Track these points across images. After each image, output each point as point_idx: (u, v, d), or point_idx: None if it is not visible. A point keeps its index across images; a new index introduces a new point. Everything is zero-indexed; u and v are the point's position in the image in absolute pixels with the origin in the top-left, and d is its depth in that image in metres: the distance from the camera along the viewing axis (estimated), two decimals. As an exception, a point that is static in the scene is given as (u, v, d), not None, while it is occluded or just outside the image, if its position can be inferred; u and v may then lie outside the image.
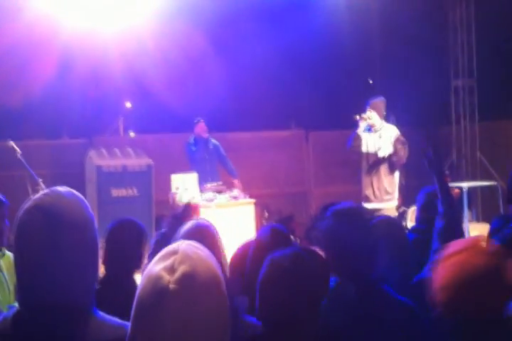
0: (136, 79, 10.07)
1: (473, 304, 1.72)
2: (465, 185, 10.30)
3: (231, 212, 8.32)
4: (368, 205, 7.52)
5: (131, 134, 10.80)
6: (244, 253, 3.04)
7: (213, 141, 9.25)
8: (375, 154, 7.78)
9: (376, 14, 12.28)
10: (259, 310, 2.05)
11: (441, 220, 3.16)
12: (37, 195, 1.71)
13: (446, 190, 3.26)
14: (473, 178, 11.34)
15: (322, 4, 11.00)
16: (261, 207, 9.53)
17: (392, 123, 8.45)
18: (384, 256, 2.88)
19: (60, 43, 9.19)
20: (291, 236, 3.23)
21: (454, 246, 1.89)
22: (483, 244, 1.88)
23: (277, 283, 2.02)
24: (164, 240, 3.60)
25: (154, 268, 1.39)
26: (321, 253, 2.44)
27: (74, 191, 1.75)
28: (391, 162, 7.67)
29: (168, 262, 1.38)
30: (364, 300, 2.46)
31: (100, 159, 9.20)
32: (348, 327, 2.34)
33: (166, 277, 1.35)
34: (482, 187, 11.11)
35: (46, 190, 1.74)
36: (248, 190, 8.91)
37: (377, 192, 7.63)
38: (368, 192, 7.74)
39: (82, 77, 9.45)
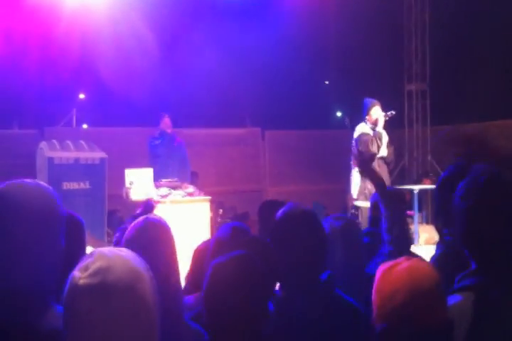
0: (93, 71, 9.90)
1: (425, 313, 1.66)
2: (416, 187, 10.45)
3: (186, 208, 8.20)
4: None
5: (84, 126, 10.60)
6: (205, 252, 2.92)
7: (179, 139, 9.13)
8: (381, 156, 7.86)
9: (332, 18, 12.38)
10: (206, 319, 1.99)
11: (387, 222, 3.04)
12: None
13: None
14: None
15: (279, 9, 11.04)
16: (216, 204, 9.45)
17: (347, 125, 8.52)
18: (340, 255, 2.90)
19: (13, 30, 8.95)
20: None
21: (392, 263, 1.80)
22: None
23: (221, 293, 1.95)
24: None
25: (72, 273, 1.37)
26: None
27: (42, 183, 1.76)
28: (387, 163, 7.79)
29: (83, 263, 1.37)
30: (312, 307, 2.38)
31: (52, 151, 8.97)
32: (297, 336, 2.31)
33: (78, 275, 1.33)
34: (432, 190, 11.30)
35: (12, 181, 1.74)
36: (203, 187, 8.82)
37: None
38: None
39: (36, 67, 9.22)
